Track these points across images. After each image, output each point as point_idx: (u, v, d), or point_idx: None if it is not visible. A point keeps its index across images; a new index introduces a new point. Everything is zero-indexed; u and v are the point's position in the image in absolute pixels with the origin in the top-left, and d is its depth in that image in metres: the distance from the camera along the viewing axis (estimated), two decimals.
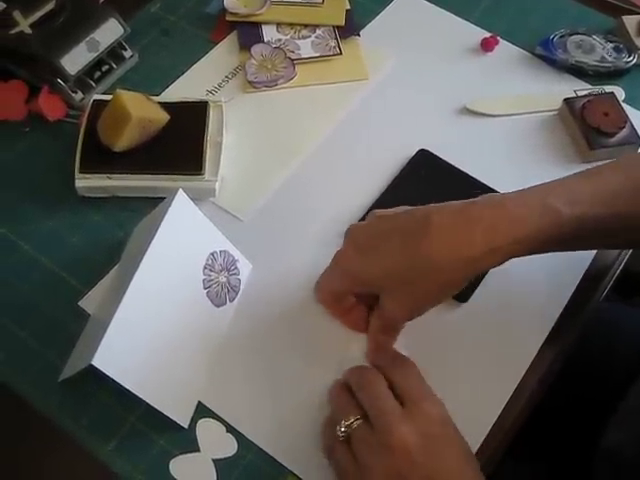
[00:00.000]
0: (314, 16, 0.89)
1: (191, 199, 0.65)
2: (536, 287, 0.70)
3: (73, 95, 0.80)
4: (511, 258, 0.57)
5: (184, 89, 0.84)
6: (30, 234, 0.73)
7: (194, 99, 0.78)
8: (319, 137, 0.80)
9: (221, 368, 0.65)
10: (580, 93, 0.83)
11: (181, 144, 0.75)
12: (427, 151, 0.78)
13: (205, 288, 0.65)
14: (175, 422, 0.61)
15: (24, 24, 0.80)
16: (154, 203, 0.73)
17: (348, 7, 0.91)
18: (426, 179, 0.76)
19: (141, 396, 0.58)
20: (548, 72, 0.87)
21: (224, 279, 0.67)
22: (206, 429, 0.63)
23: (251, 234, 0.73)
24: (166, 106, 0.76)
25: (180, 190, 0.64)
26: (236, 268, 0.69)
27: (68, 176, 0.74)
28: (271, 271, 0.71)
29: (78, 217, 0.74)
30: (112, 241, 0.73)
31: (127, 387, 0.57)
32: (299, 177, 0.77)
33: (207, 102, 0.78)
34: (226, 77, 0.85)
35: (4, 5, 0.86)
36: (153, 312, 0.60)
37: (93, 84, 0.82)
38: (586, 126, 0.78)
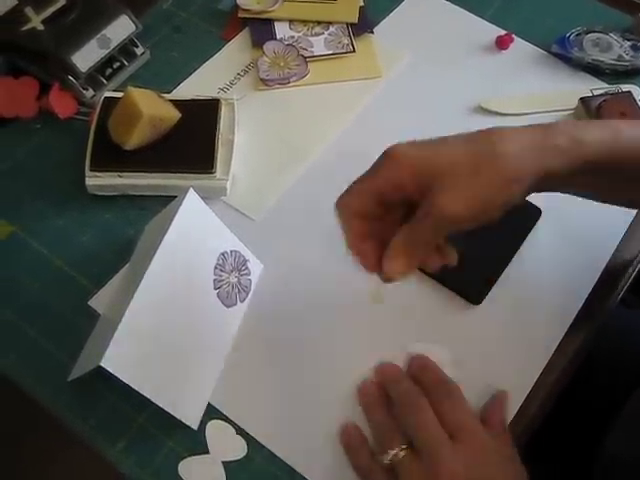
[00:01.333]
0: (327, 13, 0.88)
1: (202, 198, 0.64)
2: (549, 291, 0.69)
3: (84, 92, 0.80)
4: (570, 176, 0.52)
5: (196, 86, 0.83)
6: (40, 232, 0.73)
7: (206, 97, 0.78)
8: (332, 136, 0.79)
9: (231, 369, 0.65)
10: (596, 92, 0.82)
11: (192, 142, 0.74)
12: None
13: (216, 288, 0.65)
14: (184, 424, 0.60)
15: (36, 20, 0.80)
16: (165, 201, 0.73)
17: (362, 4, 0.90)
18: None
19: (150, 398, 0.57)
20: (564, 70, 0.85)
21: (235, 279, 0.67)
22: (216, 431, 0.63)
23: (262, 233, 0.72)
24: (177, 104, 0.75)
25: (191, 189, 0.63)
26: (247, 268, 0.68)
27: (78, 174, 0.73)
28: (282, 271, 0.70)
29: (88, 215, 0.74)
30: (122, 240, 0.72)
31: (136, 389, 0.56)
32: (311, 176, 0.77)
33: (219, 100, 0.77)
34: (238, 74, 0.84)
35: (15, 1, 0.86)
36: (163, 312, 0.60)
37: (104, 81, 0.82)
38: None
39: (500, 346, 0.66)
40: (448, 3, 0.92)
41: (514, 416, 0.63)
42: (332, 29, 0.87)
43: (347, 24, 0.88)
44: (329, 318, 0.67)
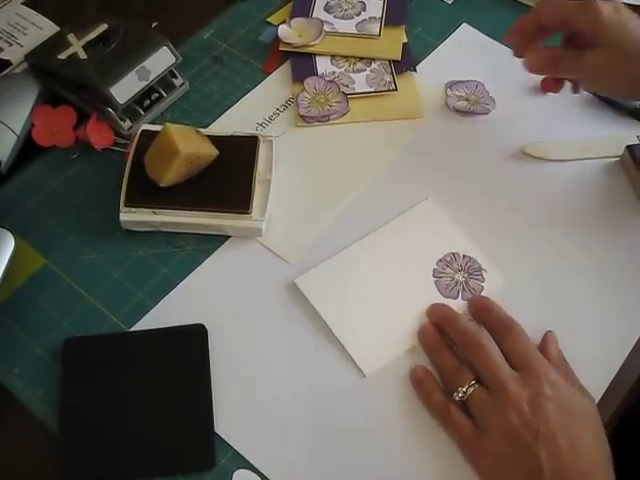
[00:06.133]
0: (370, 49, 0.87)
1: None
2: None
3: (121, 123, 0.79)
4: None
5: (234, 121, 0.82)
6: (72, 266, 0.72)
7: (244, 134, 0.76)
8: (371, 176, 0.78)
9: (263, 419, 0.64)
10: None
11: (229, 180, 0.73)
12: None
13: (434, 277, 0.70)
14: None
15: (77, 45, 0.79)
16: (199, 239, 0.73)
17: (405, 40, 0.88)
18: None
19: (335, 331, 0.66)
20: (609, 115, 0.83)
21: (462, 278, 0.70)
22: None
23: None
24: (215, 140, 0.74)
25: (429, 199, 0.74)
26: (481, 275, 0.70)
27: (113, 207, 0.72)
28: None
29: (121, 251, 0.73)
30: (155, 277, 0.71)
31: (320, 313, 0.67)
32: (349, 217, 0.75)
33: (257, 137, 0.76)
34: (277, 110, 0.83)
35: (58, 28, 0.86)
36: (371, 270, 0.70)
37: (142, 112, 0.81)
38: None
39: None
40: (493, 41, 0.90)
41: None
42: (374, 65, 0.86)
43: (390, 61, 0.86)
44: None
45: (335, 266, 0.71)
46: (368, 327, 0.67)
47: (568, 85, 0.81)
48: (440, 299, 0.69)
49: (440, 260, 0.71)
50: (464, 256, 0.71)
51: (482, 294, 0.69)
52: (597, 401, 0.63)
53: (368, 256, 0.72)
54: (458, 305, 0.68)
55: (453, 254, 0.71)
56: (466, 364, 0.62)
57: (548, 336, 0.65)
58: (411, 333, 0.67)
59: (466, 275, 0.70)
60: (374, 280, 0.70)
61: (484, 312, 0.66)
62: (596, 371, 0.65)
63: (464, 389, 0.60)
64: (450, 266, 0.71)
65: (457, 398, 0.60)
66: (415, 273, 0.70)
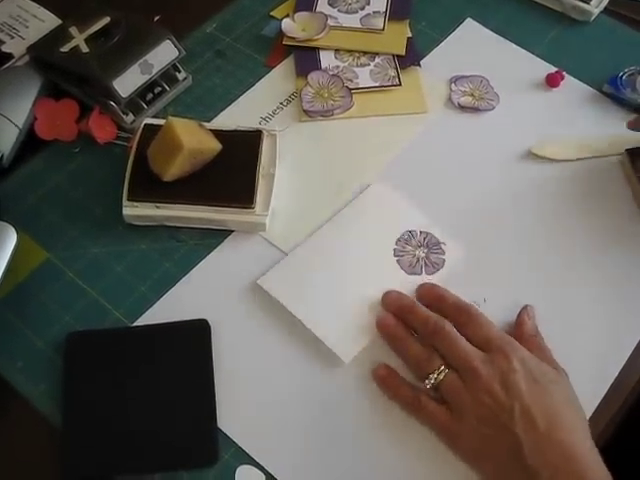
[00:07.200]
0: (374, 43, 0.86)
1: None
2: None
3: (124, 117, 0.79)
4: None
5: (238, 115, 0.82)
6: (75, 260, 0.72)
7: (248, 128, 0.76)
8: (374, 172, 0.77)
9: (263, 413, 0.64)
10: None
11: (232, 175, 0.72)
12: None
13: (396, 256, 0.70)
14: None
15: (79, 38, 0.79)
16: (202, 233, 0.72)
17: (409, 35, 0.88)
18: None
19: (307, 325, 0.66)
20: (616, 112, 0.82)
21: (422, 254, 0.70)
22: (245, 476, 0.61)
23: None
24: (219, 134, 0.73)
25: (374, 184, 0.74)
26: (440, 249, 0.71)
27: (115, 201, 0.72)
28: None
29: (124, 245, 0.73)
30: (157, 272, 0.71)
31: (294, 314, 0.66)
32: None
33: (261, 131, 0.75)
34: (280, 104, 0.82)
35: (60, 21, 0.85)
36: (334, 260, 0.70)
37: (145, 106, 0.81)
38: None
39: None
40: (497, 36, 0.89)
41: None
42: (378, 60, 0.85)
43: (394, 56, 0.86)
44: None
45: (297, 261, 0.71)
46: (339, 315, 0.67)
47: (569, 81, 0.81)
48: (405, 277, 0.69)
49: (399, 240, 0.71)
50: (421, 232, 0.72)
51: (444, 268, 0.70)
52: (598, 402, 0.63)
53: (328, 247, 0.72)
54: (422, 280, 0.69)
55: (410, 232, 0.72)
56: (432, 350, 0.62)
57: (523, 311, 0.66)
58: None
59: (426, 250, 0.71)
60: (337, 269, 0.70)
61: (438, 301, 0.66)
62: (597, 372, 0.65)
63: (435, 375, 0.60)
64: (409, 243, 0.71)
65: (429, 385, 0.60)
66: (377, 256, 0.71)
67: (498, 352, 0.59)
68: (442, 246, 0.71)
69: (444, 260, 0.70)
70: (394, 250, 0.71)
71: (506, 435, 0.56)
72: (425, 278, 0.69)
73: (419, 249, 0.71)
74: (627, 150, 0.77)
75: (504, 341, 0.61)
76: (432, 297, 0.67)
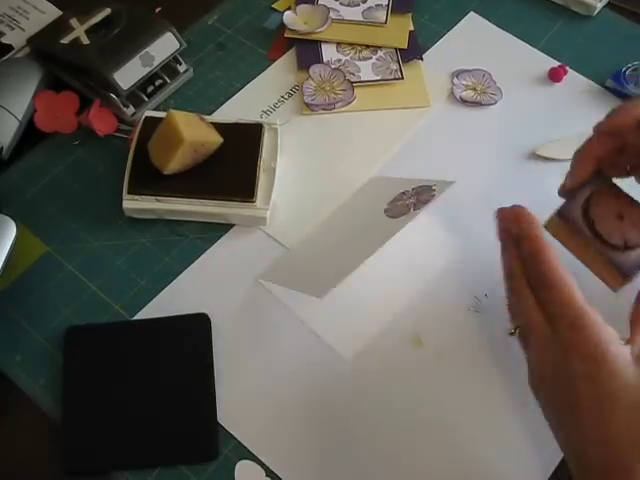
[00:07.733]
0: (376, 37, 0.86)
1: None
2: None
3: (124, 109, 0.78)
4: None
5: (239, 108, 0.81)
6: (74, 254, 0.72)
7: (249, 121, 0.76)
8: (375, 165, 0.77)
9: (265, 410, 0.63)
10: None
11: (233, 168, 0.72)
12: None
13: (385, 212, 0.67)
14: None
15: (80, 30, 0.78)
16: (203, 227, 0.72)
17: (411, 28, 0.87)
18: None
19: (308, 323, 0.66)
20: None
21: (413, 200, 0.66)
22: (245, 471, 0.61)
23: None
24: (220, 127, 0.73)
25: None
26: (430, 188, 0.67)
27: (116, 195, 0.72)
28: None
29: (124, 238, 0.72)
30: (157, 265, 0.71)
31: (294, 311, 0.67)
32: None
33: (262, 125, 0.75)
34: (282, 97, 0.82)
35: (60, 12, 0.85)
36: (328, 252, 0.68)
37: (145, 98, 0.80)
38: None
39: None
40: (500, 30, 0.89)
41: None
42: (380, 54, 0.85)
43: (396, 49, 0.85)
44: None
45: (297, 256, 0.70)
46: (340, 312, 0.67)
47: (572, 76, 0.81)
48: (387, 221, 0.66)
49: (390, 202, 0.69)
50: (413, 188, 0.68)
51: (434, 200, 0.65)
52: None
53: (329, 241, 0.70)
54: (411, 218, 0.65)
55: (404, 193, 0.69)
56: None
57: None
58: (384, 305, 0.68)
59: (416, 198, 0.66)
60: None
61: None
62: None
63: (512, 329, 0.55)
64: (400, 199, 0.68)
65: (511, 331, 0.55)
66: (371, 227, 0.68)
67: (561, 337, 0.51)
68: (433, 187, 0.67)
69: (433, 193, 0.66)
70: (385, 210, 0.68)
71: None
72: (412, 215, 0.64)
73: (409, 199, 0.67)
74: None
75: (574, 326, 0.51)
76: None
